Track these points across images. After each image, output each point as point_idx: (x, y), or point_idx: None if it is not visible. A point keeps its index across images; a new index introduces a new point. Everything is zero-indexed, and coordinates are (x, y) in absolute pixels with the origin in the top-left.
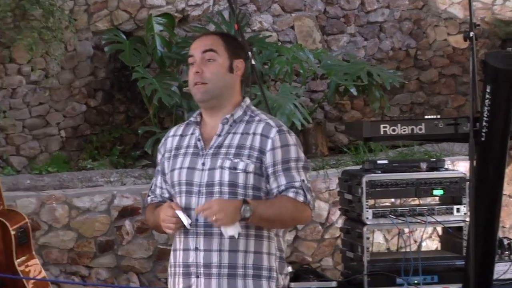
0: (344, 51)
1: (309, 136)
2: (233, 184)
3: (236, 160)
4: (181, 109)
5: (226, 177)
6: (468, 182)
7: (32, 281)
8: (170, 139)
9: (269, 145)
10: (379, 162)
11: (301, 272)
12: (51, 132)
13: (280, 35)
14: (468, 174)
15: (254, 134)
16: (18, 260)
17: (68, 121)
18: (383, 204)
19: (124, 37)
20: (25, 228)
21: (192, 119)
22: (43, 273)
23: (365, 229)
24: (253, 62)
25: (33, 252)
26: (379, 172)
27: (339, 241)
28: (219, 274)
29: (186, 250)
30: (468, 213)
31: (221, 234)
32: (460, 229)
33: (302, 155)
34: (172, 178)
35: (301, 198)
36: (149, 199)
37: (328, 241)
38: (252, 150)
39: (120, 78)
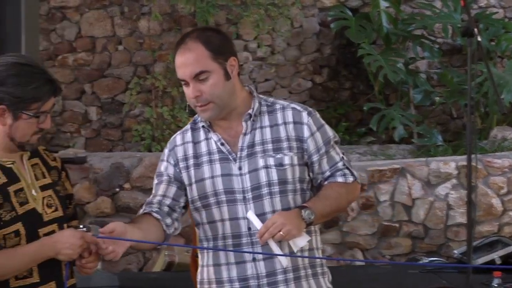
0: None
1: None
2: (283, 182)
3: (279, 156)
4: (407, 86)
5: (275, 176)
6: None
7: None
8: (181, 148)
9: (306, 132)
10: None
11: None
12: None
13: (507, 11)
14: None
15: (285, 123)
16: None
17: (293, 97)
18: None
19: (350, 13)
20: None
21: (201, 124)
22: None
23: None
24: (479, 38)
25: None
26: None
27: None
28: (285, 280)
29: (240, 263)
30: None
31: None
32: None
33: (333, 131)
34: (204, 189)
35: (350, 179)
36: (140, 210)
37: None
38: (290, 141)
39: (345, 55)
